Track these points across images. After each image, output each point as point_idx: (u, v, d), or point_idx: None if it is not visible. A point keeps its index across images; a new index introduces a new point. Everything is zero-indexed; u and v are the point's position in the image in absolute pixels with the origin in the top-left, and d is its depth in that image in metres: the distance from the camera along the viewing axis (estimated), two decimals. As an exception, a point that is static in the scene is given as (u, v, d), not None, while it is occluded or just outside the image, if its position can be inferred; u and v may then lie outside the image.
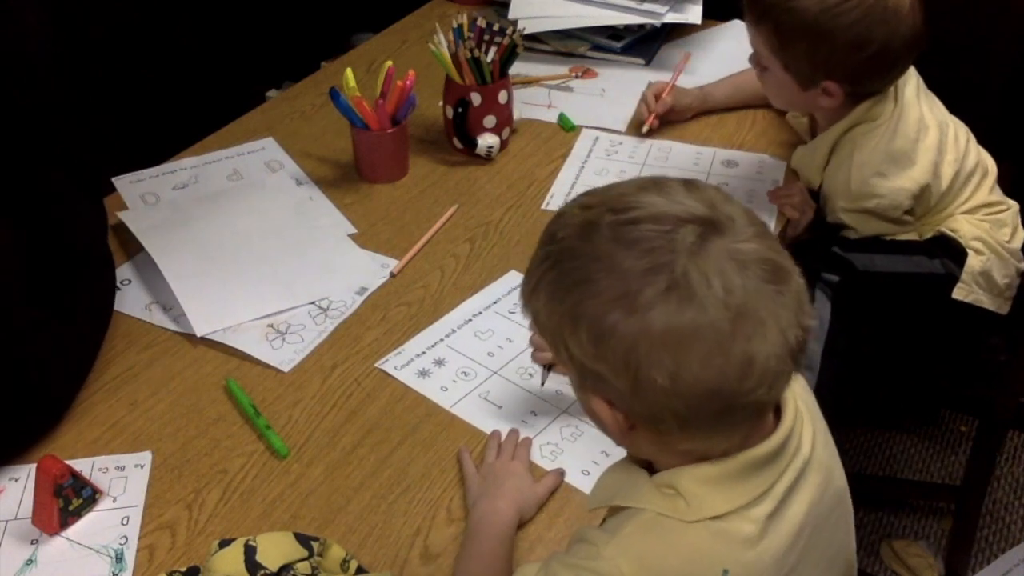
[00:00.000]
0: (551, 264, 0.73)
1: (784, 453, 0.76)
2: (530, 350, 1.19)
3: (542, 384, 1.13)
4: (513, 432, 1.08)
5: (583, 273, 0.70)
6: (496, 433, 1.09)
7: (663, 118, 1.62)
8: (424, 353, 1.20)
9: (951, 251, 1.44)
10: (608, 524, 0.81)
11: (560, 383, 1.15)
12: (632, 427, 0.74)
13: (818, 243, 1.45)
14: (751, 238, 0.69)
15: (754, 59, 1.41)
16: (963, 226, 1.45)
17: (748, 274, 0.68)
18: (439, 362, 1.19)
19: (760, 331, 0.68)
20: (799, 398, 0.80)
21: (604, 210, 0.72)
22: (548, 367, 1.10)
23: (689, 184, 0.73)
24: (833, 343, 1.40)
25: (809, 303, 0.71)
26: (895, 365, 1.66)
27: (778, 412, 0.78)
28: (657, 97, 1.61)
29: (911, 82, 1.40)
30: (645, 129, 1.60)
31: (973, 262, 1.43)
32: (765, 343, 0.68)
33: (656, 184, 0.73)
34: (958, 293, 1.43)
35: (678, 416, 0.70)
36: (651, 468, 0.80)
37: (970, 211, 1.46)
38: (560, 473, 1.04)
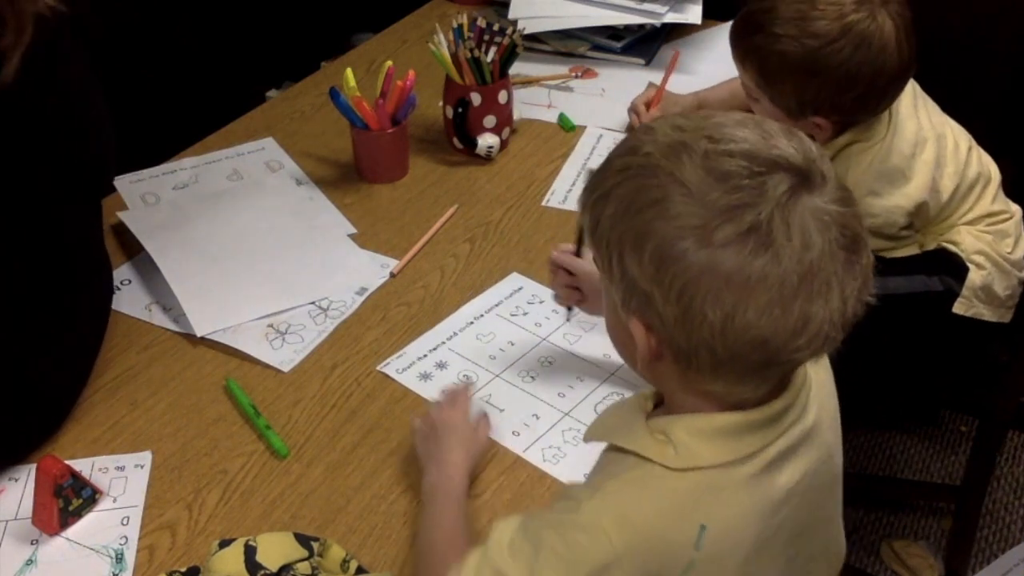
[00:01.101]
0: (630, 175, 0.71)
1: (783, 420, 0.76)
2: (531, 352, 1.20)
3: (567, 320, 1.21)
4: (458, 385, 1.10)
5: (662, 192, 0.69)
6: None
7: None
8: (426, 356, 1.20)
9: (951, 267, 1.42)
10: (592, 479, 0.82)
11: (563, 384, 1.15)
12: (660, 357, 0.74)
13: None
14: (837, 201, 0.69)
15: (745, 89, 1.41)
16: (965, 239, 1.42)
17: (828, 236, 0.67)
18: (441, 365, 1.19)
19: (824, 294, 0.67)
20: (812, 372, 0.80)
21: (700, 136, 0.70)
22: (571, 308, 1.13)
23: (789, 131, 0.72)
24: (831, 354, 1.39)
25: (873, 281, 0.71)
26: (895, 376, 1.65)
27: (785, 379, 0.78)
28: (648, 106, 1.60)
29: (906, 95, 1.37)
30: None
31: (974, 277, 1.41)
32: (825, 307, 0.68)
33: (756, 122, 0.72)
34: (958, 308, 1.42)
35: (715, 356, 0.69)
36: (656, 411, 0.81)
37: (972, 222, 1.44)
38: (486, 415, 1.06)
